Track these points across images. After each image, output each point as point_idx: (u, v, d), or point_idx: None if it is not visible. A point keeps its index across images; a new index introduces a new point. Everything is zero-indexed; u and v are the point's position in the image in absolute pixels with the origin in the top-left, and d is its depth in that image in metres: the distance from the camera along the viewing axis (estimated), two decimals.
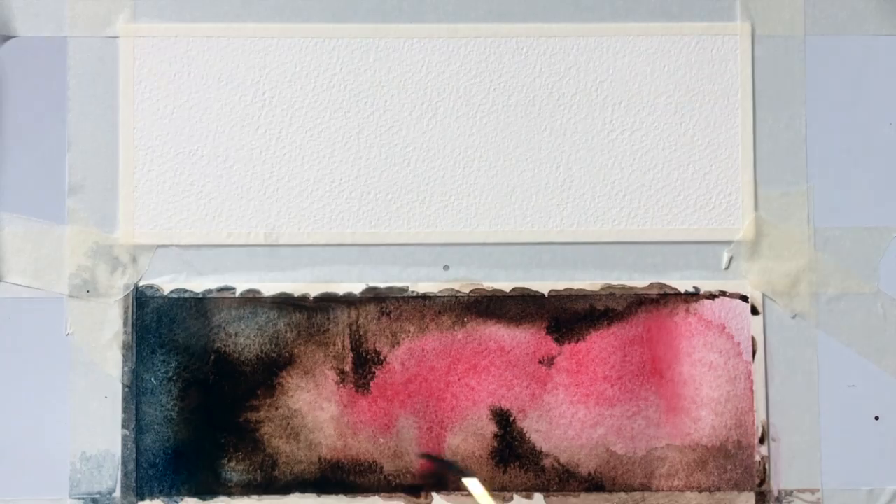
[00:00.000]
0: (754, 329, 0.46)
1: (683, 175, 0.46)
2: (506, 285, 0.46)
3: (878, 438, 0.46)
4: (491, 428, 0.45)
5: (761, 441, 0.45)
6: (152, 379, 0.45)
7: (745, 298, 0.46)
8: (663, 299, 0.46)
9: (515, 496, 0.45)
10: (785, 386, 0.46)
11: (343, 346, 0.45)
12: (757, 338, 0.46)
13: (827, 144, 0.47)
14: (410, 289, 0.46)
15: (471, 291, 0.46)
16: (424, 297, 0.46)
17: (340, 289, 0.46)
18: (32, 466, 0.45)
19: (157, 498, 0.45)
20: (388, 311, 0.45)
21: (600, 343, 0.45)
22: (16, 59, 0.46)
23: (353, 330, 0.45)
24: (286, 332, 0.45)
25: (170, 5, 0.46)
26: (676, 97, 0.46)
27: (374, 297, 0.46)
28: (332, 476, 0.45)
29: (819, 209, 0.46)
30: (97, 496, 0.45)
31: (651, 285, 0.46)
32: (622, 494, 0.45)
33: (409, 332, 0.45)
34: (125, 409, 0.45)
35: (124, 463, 0.45)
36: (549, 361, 0.45)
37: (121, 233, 0.46)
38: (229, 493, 0.45)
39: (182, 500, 0.45)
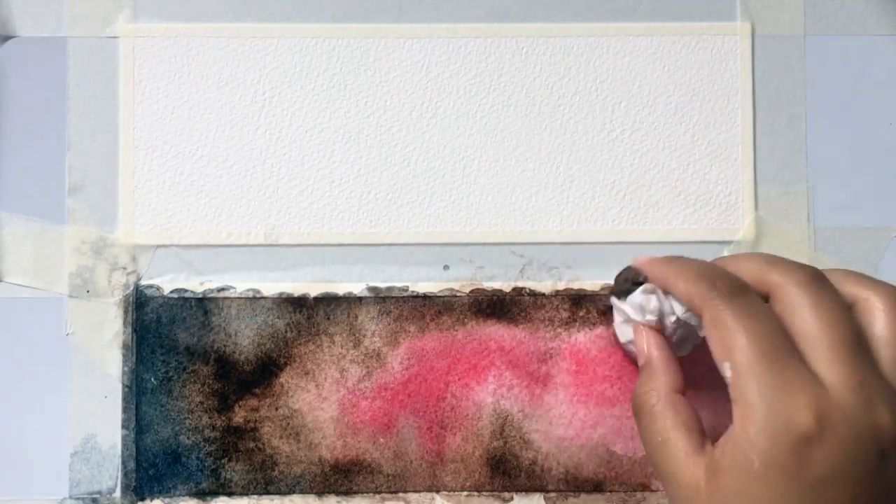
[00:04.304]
0: None
1: (683, 175, 0.46)
2: (506, 285, 0.46)
3: None
4: (490, 428, 0.45)
5: None
6: (152, 379, 0.45)
7: None
8: None
9: (515, 496, 0.45)
10: None
11: (343, 345, 0.45)
12: None
13: (827, 144, 0.47)
14: (411, 288, 0.46)
15: (471, 291, 0.46)
16: (424, 297, 0.46)
17: (340, 289, 0.46)
18: (32, 466, 0.45)
19: (157, 498, 0.45)
20: (388, 310, 0.45)
21: (600, 343, 0.45)
22: (15, 59, 0.46)
23: (353, 330, 0.45)
24: (286, 331, 0.45)
25: (170, 5, 0.46)
26: (676, 97, 0.46)
27: (374, 297, 0.46)
28: (332, 476, 0.45)
29: (819, 209, 0.46)
30: (97, 496, 0.45)
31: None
32: (622, 494, 0.45)
33: (409, 331, 0.45)
34: (125, 409, 0.45)
35: (124, 463, 0.45)
36: (549, 361, 0.45)
37: (121, 233, 0.46)
38: (229, 494, 0.45)
39: (182, 500, 0.45)
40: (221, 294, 0.46)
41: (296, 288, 0.46)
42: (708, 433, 0.45)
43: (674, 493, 0.37)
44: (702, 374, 0.46)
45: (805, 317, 0.36)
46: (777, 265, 0.37)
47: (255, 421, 0.45)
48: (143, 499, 0.45)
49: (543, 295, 0.46)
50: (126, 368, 0.45)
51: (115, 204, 0.46)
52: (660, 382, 0.39)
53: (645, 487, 0.45)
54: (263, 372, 0.45)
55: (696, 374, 0.45)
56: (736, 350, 0.36)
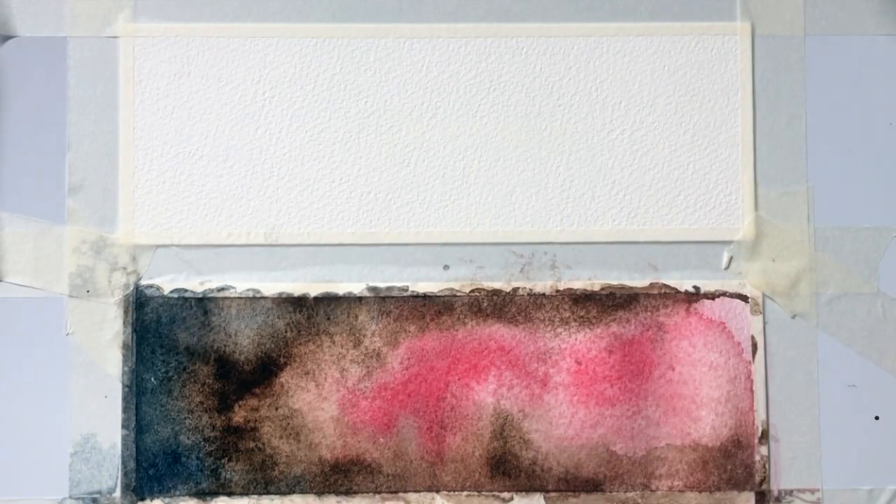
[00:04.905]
0: (754, 329, 0.46)
1: (683, 175, 0.46)
2: (506, 285, 0.46)
3: (878, 438, 0.46)
4: (490, 428, 0.45)
5: (761, 441, 0.45)
6: (152, 379, 0.45)
7: (745, 298, 0.46)
8: (663, 299, 0.46)
9: (515, 496, 0.45)
10: (785, 386, 0.46)
11: (343, 345, 0.45)
12: (757, 338, 0.46)
13: (827, 144, 0.47)
14: (411, 288, 0.46)
15: (471, 291, 0.46)
16: (424, 297, 0.46)
17: (340, 288, 0.46)
18: (32, 466, 0.45)
19: (157, 498, 0.45)
20: (388, 310, 0.45)
21: (600, 343, 0.45)
22: (16, 59, 0.46)
23: (353, 330, 0.45)
24: (286, 331, 0.45)
25: (170, 5, 0.46)
26: (676, 97, 0.46)
27: (375, 297, 0.46)
28: (331, 476, 0.45)
29: (819, 209, 0.46)
30: (97, 496, 0.45)
31: (651, 285, 0.46)
32: (622, 494, 0.45)
33: (410, 331, 0.45)
34: (125, 409, 0.45)
35: (124, 463, 0.45)
36: (549, 361, 0.45)
37: (121, 233, 0.46)
38: (229, 494, 0.45)
39: (182, 499, 0.45)
40: (221, 294, 0.46)
41: (296, 288, 0.46)
42: (708, 433, 0.45)
43: None
44: (701, 373, 0.46)
45: None
46: None
47: (255, 421, 0.45)
48: (143, 499, 0.45)
49: (543, 295, 0.46)
50: (126, 368, 0.45)
51: (115, 204, 0.46)
52: None
53: (645, 487, 0.45)
54: (263, 372, 0.45)
55: (694, 374, 0.46)
56: None
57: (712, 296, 0.46)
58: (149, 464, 0.45)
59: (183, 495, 0.45)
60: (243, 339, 0.45)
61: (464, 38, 0.46)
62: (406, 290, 0.46)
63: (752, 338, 0.46)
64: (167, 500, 0.45)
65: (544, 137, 0.46)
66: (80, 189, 0.46)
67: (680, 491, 0.45)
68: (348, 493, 0.45)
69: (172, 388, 0.45)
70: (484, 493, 0.45)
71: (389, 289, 0.46)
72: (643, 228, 0.46)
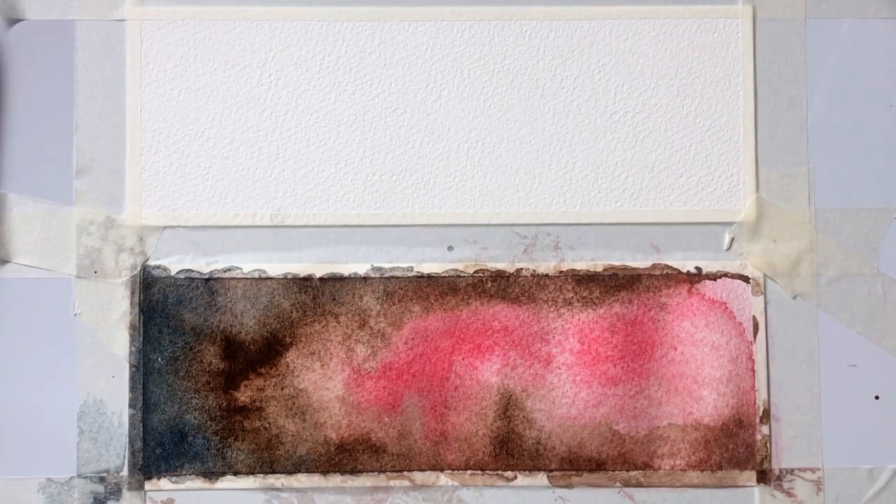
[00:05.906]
0: (756, 309, 0.46)
1: (685, 157, 0.47)
2: (509, 266, 0.46)
3: (878, 418, 0.46)
4: (494, 407, 0.46)
5: (762, 420, 0.46)
6: (159, 359, 0.46)
7: (746, 279, 0.46)
8: (665, 280, 0.46)
9: (519, 475, 0.45)
10: (786, 366, 0.46)
11: (348, 326, 0.46)
12: (758, 318, 0.46)
13: (828, 126, 0.47)
14: (415, 269, 0.46)
15: (475, 272, 0.46)
16: (429, 278, 0.46)
17: (346, 269, 0.46)
18: (40, 445, 0.45)
19: (164, 477, 0.45)
20: (392, 291, 0.46)
21: (603, 323, 0.46)
22: (24, 42, 0.46)
23: (358, 310, 0.46)
24: (292, 312, 0.46)
25: None
26: (679, 79, 0.47)
27: (379, 278, 0.46)
28: (337, 455, 0.45)
29: (820, 190, 0.47)
30: (104, 475, 0.45)
31: (653, 266, 0.46)
32: (624, 473, 0.45)
33: (414, 312, 0.46)
34: (132, 389, 0.46)
35: (131, 442, 0.45)
36: (552, 341, 0.46)
37: (128, 214, 0.46)
38: (235, 473, 0.45)
39: (188, 478, 0.45)
40: (228, 274, 0.46)
41: (301, 268, 0.46)
42: (709, 413, 0.46)
43: None
44: (703, 353, 0.46)
45: None
46: None
47: (261, 400, 0.45)
48: (150, 478, 0.45)
49: (546, 275, 0.46)
50: (133, 348, 0.46)
51: (123, 185, 0.46)
52: None
53: (647, 466, 0.45)
54: (269, 352, 0.46)
55: (696, 354, 0.46)
56: None
57: (714, 276, 0.46)
58: (156, 443, 0.45)
59: (189, 474, 0.45)
60: (249, 319, 0.46)
61: (468, 20, 0.47)
62: (411, 270, 0.46)
63: (754, 318, 0.46)
64: (174, 479, 0.45)
65: (547, 120, 0.47)
66: (87, 171, 0.46)
67: (682, 470, 0.45)
68: (353, 472, 0.45)
69: (179, 368, 0.46)
70: (488, 472, 0.45)
71: (394, 269, 0.46)
72: (645, 210, 0.46)
